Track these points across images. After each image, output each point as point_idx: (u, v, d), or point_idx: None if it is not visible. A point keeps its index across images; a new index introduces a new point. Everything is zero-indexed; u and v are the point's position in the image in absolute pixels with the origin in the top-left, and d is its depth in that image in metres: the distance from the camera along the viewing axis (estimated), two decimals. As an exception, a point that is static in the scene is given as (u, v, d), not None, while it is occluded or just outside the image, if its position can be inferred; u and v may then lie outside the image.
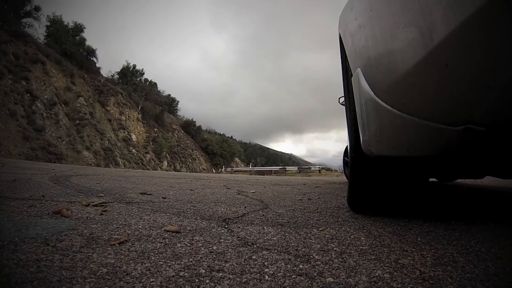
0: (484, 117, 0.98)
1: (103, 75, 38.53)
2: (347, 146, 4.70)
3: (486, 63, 0.91)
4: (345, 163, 5.32)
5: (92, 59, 35.92)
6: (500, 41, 0.86)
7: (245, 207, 2.31)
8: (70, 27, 33.00)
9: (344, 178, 7.73)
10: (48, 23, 30.52)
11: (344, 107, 3.14)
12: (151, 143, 35.64)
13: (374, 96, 1.30)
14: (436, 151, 1.21)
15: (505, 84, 0.90)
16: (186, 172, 29.77)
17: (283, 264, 1.07)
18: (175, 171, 28.14)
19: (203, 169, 42.77)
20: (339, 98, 4.49)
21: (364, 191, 1.92)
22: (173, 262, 1.04)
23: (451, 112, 1.05)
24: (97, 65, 37.63)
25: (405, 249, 1.28)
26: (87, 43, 34.74)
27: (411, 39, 1.08)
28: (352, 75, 1.61)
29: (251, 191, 3.52)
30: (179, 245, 1.23)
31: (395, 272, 1.01)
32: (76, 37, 33.27)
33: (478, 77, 0.94)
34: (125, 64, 43.41)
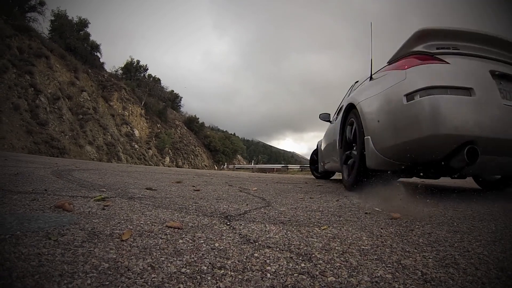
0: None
1: (107, 70, 38.58)
2: (315, 150, 6.84)
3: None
4: (312, 162, 7.19)
5: (96, 54, 35.97)
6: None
7: (247, 204, 2.31)
8: (75, 22, 33.02)
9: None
10: (53, 18, 30.54)
11: (323, 121, 5.90)
12: (153, 138, 35.70)
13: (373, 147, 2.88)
14: (393, 169, 2.93)
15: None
16: (188, 168, 29.81)
17: (285, 262, 1.07)
18: (177, 167, 28.21)
19: (205, 165, 42.81)
20: (320, 114, 5.93)
21: (359, 181, 3.31)
22: (175, 259, 1.03)
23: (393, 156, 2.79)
24: (101, 60, 37.70)
25: (407, 250, 1.27)
26: (91, 38, 34.80)
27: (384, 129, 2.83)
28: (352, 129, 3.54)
29: (253, 189, 3.52)
30: (181, 241, 1.23)
31: (397, 273, 1.01)
32: (81, 32, 33.28)
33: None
34: (129, 59, 43.39)
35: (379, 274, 1.00)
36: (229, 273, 0.95)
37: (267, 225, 1.62)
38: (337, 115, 4.87)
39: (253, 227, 1.55)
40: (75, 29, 32.81)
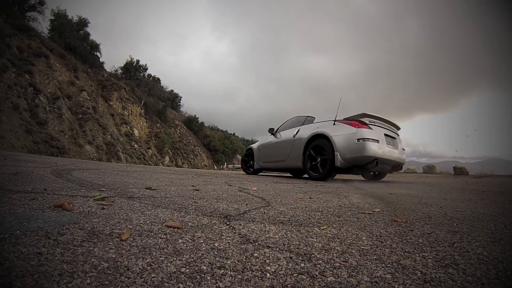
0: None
1: (107, 70, 38.52)
2: (248, 154, 8.88)
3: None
4: (244, 161, 8.99)
5: (95, 53, 35.94)
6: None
7: (247, 204, 2.31)
8: (74, 21, 32.99)
9: (344, 177, 7.80)
10: (52, 17, 30.52)
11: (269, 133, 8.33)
12: (153, 138, 35.68)
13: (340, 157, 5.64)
14: (347, 167, 5.84)
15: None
16: (188, 168, 29.80)
17: (284, 262, 1.07)
18: (177, 166, 28.19)
19: (205, 165, 42.79)
20: (269, 129, 8.06)
21: (329, 174, 5.96)
22: (175, 258, 1.03)
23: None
24: (101, 60, 37.65)
25: (407, 250, 1.27)
26: (91, 37, 34.76)
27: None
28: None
29: (253, 188, 3.52)
30: (180, 241, 1.23)
31: (396, 273, 1.01)
32: (80, 32, 33.26)
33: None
34: (129, 59, 43.33)
35: (378, 274, 1.00)
36: (229, 273, 0.95)
37: (266, 225, 1.62)
38: (280, 132, 7.59)
39: (252, 227, 1.55)
40: (75, 29, 32.78)
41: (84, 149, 22.44)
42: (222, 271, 0.96)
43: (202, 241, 1.25)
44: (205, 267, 0.98)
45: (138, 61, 43.85)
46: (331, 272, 1.00)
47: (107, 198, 2.06)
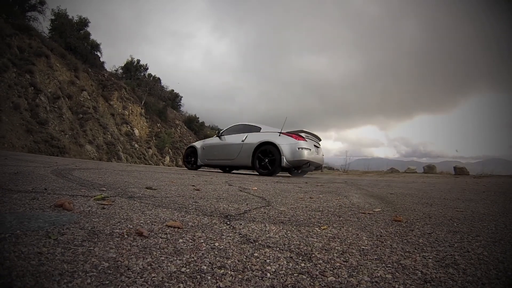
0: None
1: (107, 70, 38.48)
2: (191, 151, 9.99)
3: None
4: (186, 158, 10.05)
5: (96, 53, 35.89)
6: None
7: (247, 204, 2.31)
8: (75, 21, 32.94)
9: (345, 177, 7.83)
10: (53, 17, 30.45)
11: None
12: (153, 138, 35.64)
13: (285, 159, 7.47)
14: (290, 167, 7.98)
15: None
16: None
17: (285, 262, 1.07)
18: (177, 166, 28.16)
19: (205, 165, 42.72)
20: (218, 131, 9.90)
21: (277, 171, 7.85)
22: (175, 258, 1.03)
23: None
24: (101, 59, 37.60)
25: (407, 250, 1.27)
26: (91, 37, 34.72)
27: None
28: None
29: (253, 188, 3.52)
30: (181, 240, 1.23)
31: (397, 273, 1.01)
32: (81, 31, 33.21)
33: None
34: (129, 58, 43.24)
35: (379, 274, 1.00)
36: (229, 272, 0.95)
37: (267, 225, 1.62)
38: (226, 136, 9.23)
39: (253, 227, 1.55)
40: (75, 28, 32.73)
41: (84, 148, 22.43)
42: (222, 271, 0.96)
43: (202, 241, 1.25)
44: (205, 267, 0.98)
45: (138, 60, 43.78)
46: (331, 272, 1.00)
47: (107, 198, 2.06)
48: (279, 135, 7.95)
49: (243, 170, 11.12)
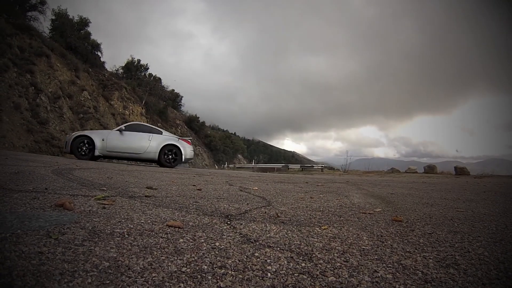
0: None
1: (108, 70, 38.43)
2: (82, 139, 10.06)
3: None
4: (79, 149, 10.00)
5: (96, 53, 35.83)
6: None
7: (248, 204, 2.31)
8: (75, 21, 32.90)
9: (346, 177, 7.83)
10: (53, 17, 30.41)
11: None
12: (154, 138, 35.62)
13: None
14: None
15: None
16: (189, 167, 29.75)
17: (285, 262, 1.07)
18: (178, 166, 28.14)
19: (206, 165, 42.71)
20: (124, 125, 11.11)
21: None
22: (176, 258, 1.03)
23: None
24: (102, 59, 37.55)
25: (408, 250, 1.27)
26: (91, 37, 34.66)
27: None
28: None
29: (254, 188, 3.52)
30: (181, 240, 1.23)
31: (397, 273, 1.01)
32: (81, 31, 33.16)
33: None
34: (130, 58, 43.18)
35: (379, 274, 0.99)
36: (230, 272, 0.95)
37: (267, 225, 1.62)
38: (126, 132, 10.48)
39: (253, 227, 1.55)
40: (76, 28, 32.69)
41: (85, 148, 22.44)
42: (223, 270, 0.96)
43: (203, 240, 1.25)
44: (206, 267, 0.98)
45: (139, 60, 43.70)
46: (332, 272, 1.00)
47: (108, 198, 2.06)
48: (178, 140, 10.69)
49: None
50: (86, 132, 10.62)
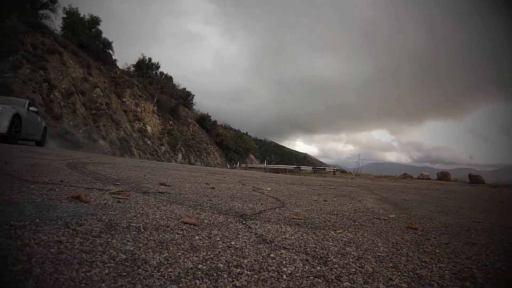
0: None
1: (119, 67, 38.80)
2: None
3: None
4: None
5: (108, 51, 36.19)
6: None
7: (262, 204, 2.31)
8: (86, 19, 33.26)
9: (357, 181, 7.76)
10: (65, 15, 30.82)
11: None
12: (166, 135, 35.87)
13: None
14: None
15: None
16: (201, 165, 29.91)
17: (300, 264, 1.06)
18: (190, 164, 28.28)
19: (218, 163, 42.82)
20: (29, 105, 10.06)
21: None
22: (191, 254, 1.03)
23: None
24: (113, 57, 37.90)
25: (423, 259, 1.25)
26: (103, 35, 34.99)
27: None
28: None
29: (267, 189, 3.51)
30: (197, 237, 1.23)
31: (412, 283, 0.99)
32: (92, 30, 33.53)
33: None
34: (141, 57, 43.51)
35: (394, 283, 0.98)
36: (246, 272, 0.95)
37: (282, 226, 1.61)
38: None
39: (268, 227, 1.55)
40: (87, 27, 33.05)
41: (98, 144, 22.71)
42: (238, 270, 0.96)
43: (218, 239, 1.25)
44: (221, 265, 0.97)
45: (150, 59, 43.95)
46: (347, 278, 0.99)
47: (122, 192, 2.07)
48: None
49: None
50: None
